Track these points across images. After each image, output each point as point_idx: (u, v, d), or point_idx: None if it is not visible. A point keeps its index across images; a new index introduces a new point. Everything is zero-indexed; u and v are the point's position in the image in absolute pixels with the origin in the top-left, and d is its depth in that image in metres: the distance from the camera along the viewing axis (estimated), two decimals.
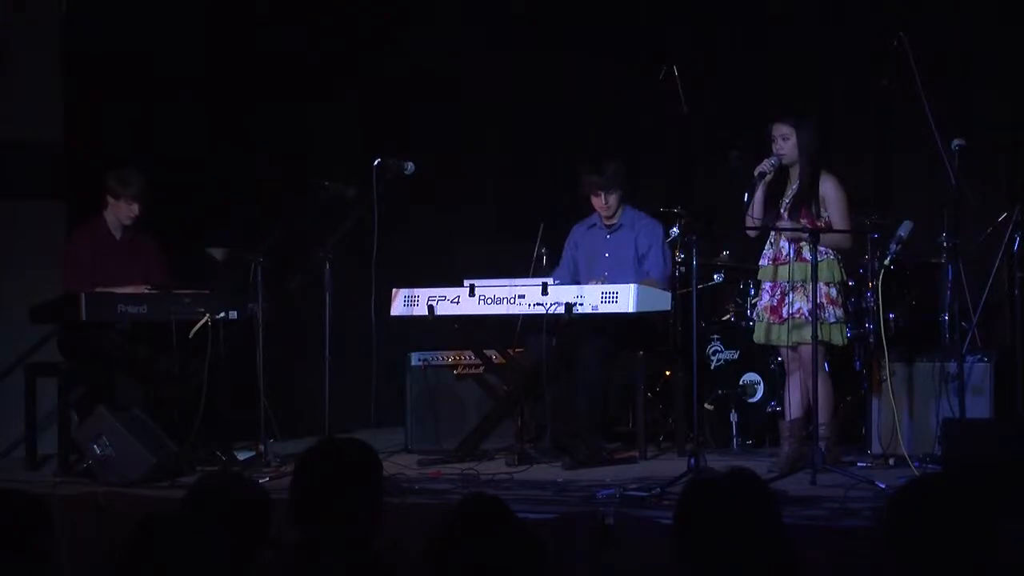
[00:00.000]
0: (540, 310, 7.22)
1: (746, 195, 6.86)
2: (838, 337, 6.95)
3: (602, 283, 7.36)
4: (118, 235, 7.82)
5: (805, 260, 6.78)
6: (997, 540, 3.04)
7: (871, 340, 7.21)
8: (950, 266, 6.93)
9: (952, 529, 3.01)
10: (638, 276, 7.60)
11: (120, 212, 7.74)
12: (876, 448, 7.10)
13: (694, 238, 6.82)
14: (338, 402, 7.17)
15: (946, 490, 3.09)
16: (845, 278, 7.07)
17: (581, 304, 7.18)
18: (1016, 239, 7.03)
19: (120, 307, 7.37)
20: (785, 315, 6.94)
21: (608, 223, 7.86)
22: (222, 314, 7.44)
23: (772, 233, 7.00)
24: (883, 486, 6.02)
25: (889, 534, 3.07)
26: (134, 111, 8.72)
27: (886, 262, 6.89)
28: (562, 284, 7.49)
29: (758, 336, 7.14)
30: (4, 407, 8.30)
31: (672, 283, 7.81)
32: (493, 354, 8.00)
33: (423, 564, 3.30)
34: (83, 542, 6.10)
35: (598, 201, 7.77)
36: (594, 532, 5.55)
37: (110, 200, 7.74)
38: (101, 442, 7.04)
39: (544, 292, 7.23)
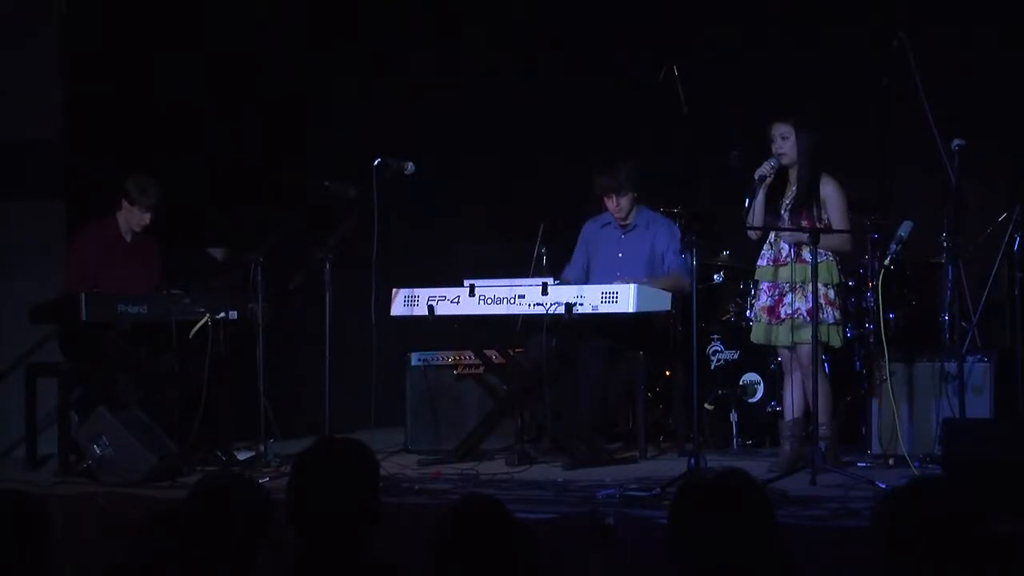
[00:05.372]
0: (540, 310, 7.22)
1: (746, 200, 6.84)
2: (836, 339, 6.95)
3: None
4: (128, 238, 7.83)
5: (805, 262, 6.78)
6: (995, 540, 3.04)
7: (871, 340, 7.21)
8: (950, 266, 6.92)
9: (949, 530, 3.01)
10: (654, 276, 7.60)
11: (132, 218, 7.75)
12: (876, 448, 7.10)
13: (694, 238, 6.81)
14: (338, 402, 7.17)
15: (942, 491, 3.09)
16: (843, 280, 7.06)
17: (581, 304, 7.17)
18: (1016, 239, 7.03)
19: (120, 307, 7.36)
20: (783, 315, 6.94)
21: (623, 223, 7.85)
22: (222, 314, 7.45)
23: (772, 234, 7.00)
24: (883, 486, 5.99)
25: (886, 535, 3.07)
26: (134, 111, 8.71)
27: (886, 262, 6.89)
28: (574, 281, 7.49)
29: (756, 336, 7.15)
30: (4, 407, 8.30)
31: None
32: (493, 354, 8.00)
33: (423, 564, 3.30)
34: (83, 542, 6.10)
35: (610, 203, 7.76)
36: (594, 532, 5.55)
37: (124, 204, 7.74)
38: (101, 442, 7.04)
39: (544, 292, 7.22)
